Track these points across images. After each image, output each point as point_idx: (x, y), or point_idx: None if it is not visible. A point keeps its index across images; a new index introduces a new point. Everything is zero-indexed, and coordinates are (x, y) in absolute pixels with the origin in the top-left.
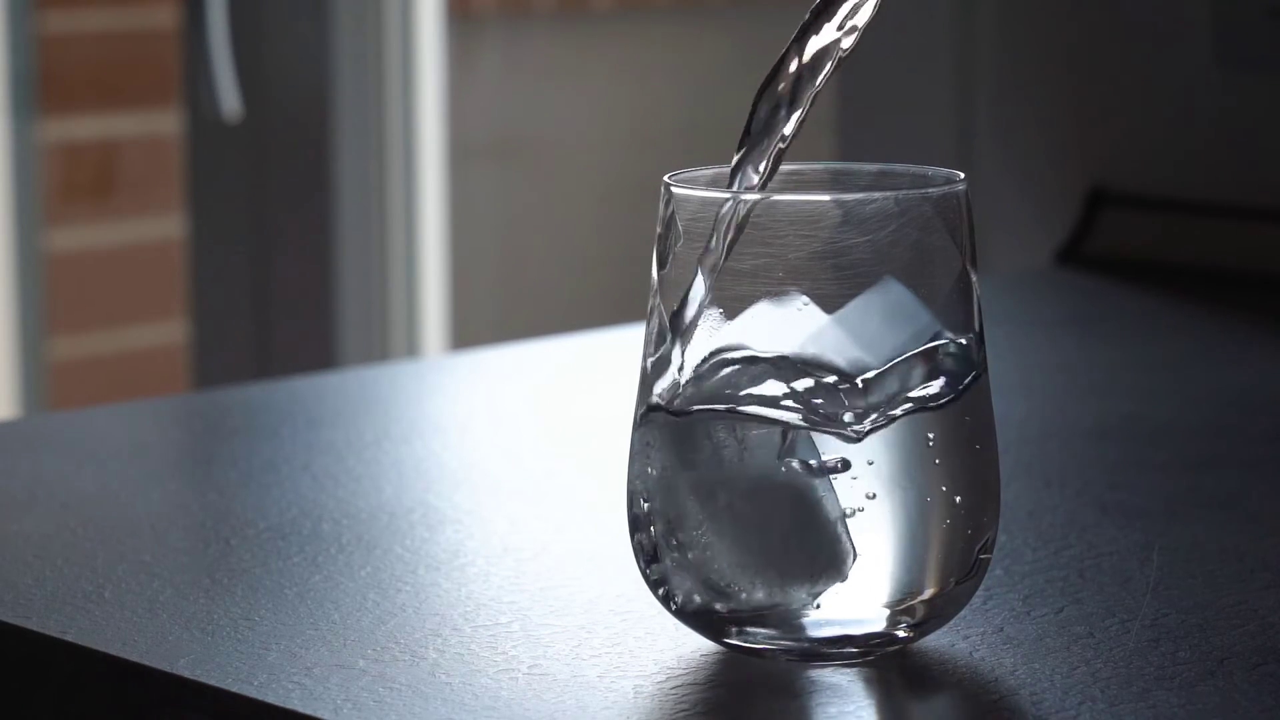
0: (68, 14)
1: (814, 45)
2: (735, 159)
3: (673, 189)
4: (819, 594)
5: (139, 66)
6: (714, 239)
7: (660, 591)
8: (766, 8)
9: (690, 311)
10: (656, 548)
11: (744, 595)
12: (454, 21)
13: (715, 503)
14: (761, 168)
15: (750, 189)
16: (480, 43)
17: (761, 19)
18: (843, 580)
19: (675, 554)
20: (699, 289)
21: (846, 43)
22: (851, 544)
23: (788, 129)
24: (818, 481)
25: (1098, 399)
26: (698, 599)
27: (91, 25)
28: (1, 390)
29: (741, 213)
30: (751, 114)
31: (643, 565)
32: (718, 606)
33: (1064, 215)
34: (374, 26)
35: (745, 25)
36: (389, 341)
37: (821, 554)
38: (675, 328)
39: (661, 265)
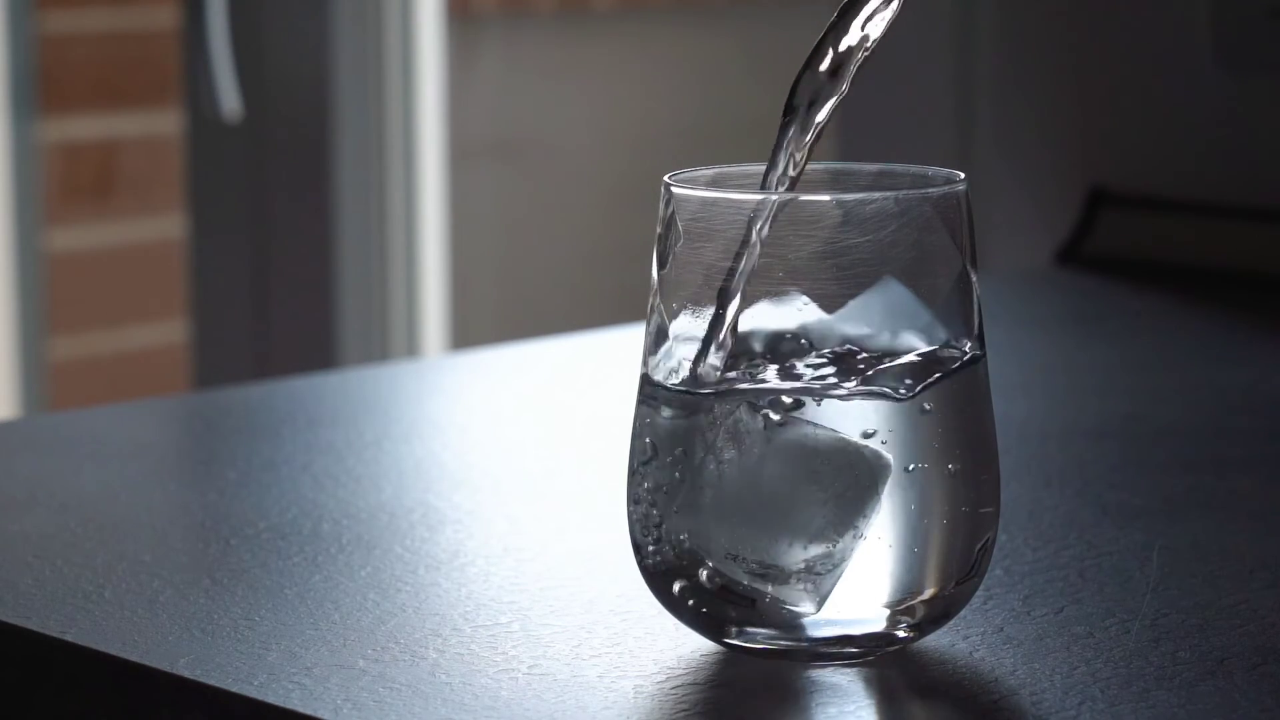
0: (68, 14)
1: (840, 46)
2: (776, 158)
3: (673, 189)
4: (884, 493)
5: (139, 66)
6: (750, 247)
7: (706, 611)
8: (766, 8)
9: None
10: (686, 560)
11: (836, 548)
12: (454, 21)
13: (742, 492)
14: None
15: (751, 190)
16: (480, 43)
17: (761, 19)
18: (892, 471)
19: (731, 564)
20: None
21: (870, 39)
22: (867, 446)
23: (809, 135)
24: (803, 426)
25: (1098, 399)
26: (782, 592)
27: (91, 25)
28: (1, 390)
29: (771, 213)
30: (786, 112)
31: (688, 588)
32: (813, 583)
33: (1064, 215)
34: (374, 26)
35: (745, 25)
36: (389, 341)
37: (858, 473)
38: (710, 336)
39: (661, 265)
